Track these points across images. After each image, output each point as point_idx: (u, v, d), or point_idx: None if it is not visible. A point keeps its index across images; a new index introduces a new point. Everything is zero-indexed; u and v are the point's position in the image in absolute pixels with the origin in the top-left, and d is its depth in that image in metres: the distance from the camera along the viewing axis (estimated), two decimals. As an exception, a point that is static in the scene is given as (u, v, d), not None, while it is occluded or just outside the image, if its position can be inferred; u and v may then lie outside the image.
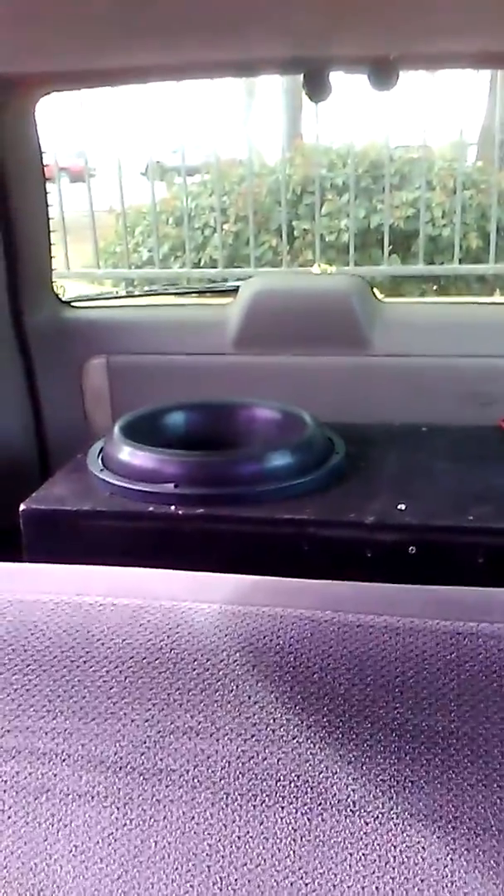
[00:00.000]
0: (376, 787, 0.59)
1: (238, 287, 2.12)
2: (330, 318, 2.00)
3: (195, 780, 0.62)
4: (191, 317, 2.22)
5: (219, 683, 0.62)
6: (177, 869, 0.61)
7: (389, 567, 1.41)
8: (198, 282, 5.49)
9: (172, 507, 1.49)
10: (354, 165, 5.56)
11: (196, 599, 0.65)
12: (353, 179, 5.47)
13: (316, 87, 1.59)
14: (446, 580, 0.72)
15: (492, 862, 0.57)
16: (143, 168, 6.56)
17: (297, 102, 6.95)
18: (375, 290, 2.27)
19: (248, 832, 0.61)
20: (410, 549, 1.41)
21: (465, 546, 1.40)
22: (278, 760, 0.61)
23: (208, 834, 0.61)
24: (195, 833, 0.61)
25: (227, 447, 1.72)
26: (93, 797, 0.64)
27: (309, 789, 0.60)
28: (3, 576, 0.72)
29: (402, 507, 1.47)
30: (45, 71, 1.75)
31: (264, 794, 0.61)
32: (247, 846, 0.61)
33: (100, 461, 1.65)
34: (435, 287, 6.12)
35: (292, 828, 0.60)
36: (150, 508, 1.50)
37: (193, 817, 0.62)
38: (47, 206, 2.11)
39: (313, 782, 0.60)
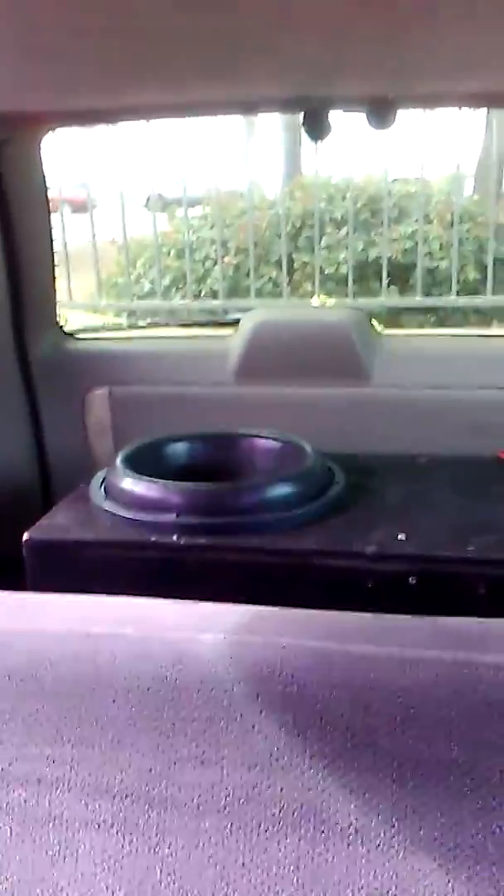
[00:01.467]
0: (378, 816, 0.60)
1: (239, 319, 2.15)
2: (330, 350, 2.02)
3: (200, 809, 0.63)
4: (192, 348, 2.25)
5: (223, 713, 0.63)
6: None
7: (390, 597, 1.42)
8: (199, 313, 5.54)
9: (174, 537, 1.50)
10: (353, 199, 5.64)
11: (200, 630, 0.66)
12: (352, 213, 5.55)
13: (315, 126, 1.62)
14: (447, 610, 0.73)
15: (491, 890, 0.58)
16: (144, 200, 6.65)
17: (297, 138, 7.07)
18: (374, 321, 2.30)
19: (252, 860, 0.61)
20: (411, 579, 1.42)
21: (466, 576, 1.41)
22: (282, 789, 0.62)
23: (213, 862, 0.62)
24: (200, 861, 0.62)
25: (229, 477, 1.73)
26: (99, 825, 0.64)
27: (312, 818, 0.61)
28: (10, 606, 0.73)
29: (403, 537, 1.48)
30: (50, 109, 1.79)
31: (268, 823, 0.62)
32: (251, 874, 0.61)
33: (102, 491, 1.66)
34: (433, 319, 6.17)
35: (296, 856, 0.61)
36: (153, 538, 1.51)
37: (198, 845, 0.62)
38: (51, 239, 2.15)
39: (317, 811, 0.61)
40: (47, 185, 2.08)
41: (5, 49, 1.06)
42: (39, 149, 2.00)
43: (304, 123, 1.64)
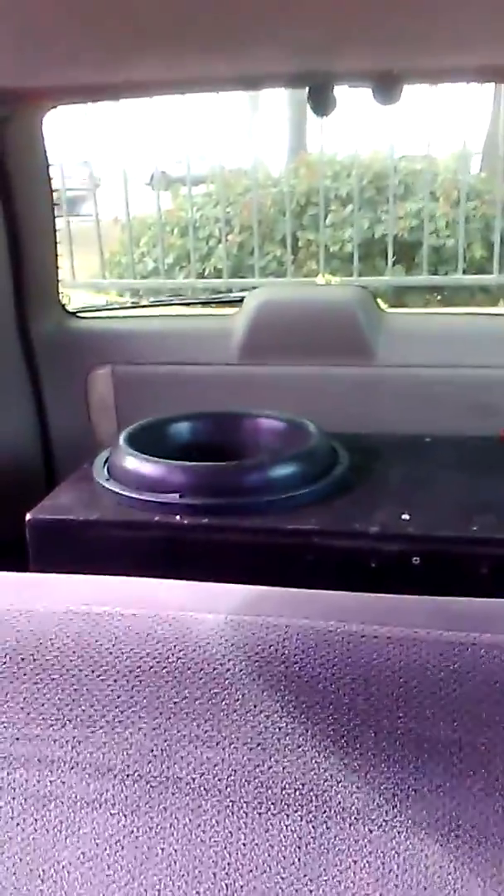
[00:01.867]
0: (380, 796, 0.60)
1: (243, 298, 2.14)
2: (334, 329, 2.01)
3: (201, 789, 0.63)
4: (196, 327, 2.23)
5: (225, 693, 0.63)
6: (183, 876, 0.62)
7: (393, 577, 1.42)
8: (202, 292, 5.52)
9: (177, 517, 1.50)
10: (359, 176, 5.59)
11: (202, 610, 0.66)
12: (358, 190, 5.49)
13: (320, 101, 1.60)
14: (450, 590, 0.72)
15: (493, 870, 0.58)
16: (148, 178, 6.60)
17: (302, 114, 6.99)
18: (379, 300, 2.28)
19: (253, 840, 0.61)
20: (414, 559, 1.42)
21: (469, 556, 1.41)
22: (283, 769, 0.62)
23: (214, 841, 0.62)
24: (201, 840, 0.62)
25: (232, 457, 1.73)
26: (100, 805, 0.64)
27: (313, 798, 0.61)
28: (12, 585, 0.73)
29: (406, 517, 1.48)
30: (52, 85, 1.77)
31: (269, 803, 0.62)
32: (252, 854, 0.61)
33: (105, 471, 1.66)
34: (439, 297, 6.13)
35: (297, 836, 0.61)
36: (156, 518, 1.51)
37: (199, 825, 0.62)
38: (54, 217, 2.13)
39: (318, 791, 0.61)
40: (49, 164, 2.06)
41: (5, 26, 1.04)
42: (41, 126, 1.98)
43: (309, 99, 1.62)
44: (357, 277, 5.29)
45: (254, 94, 6.81)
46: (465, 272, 5.41)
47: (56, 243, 2.14)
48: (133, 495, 1.55)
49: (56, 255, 2.16)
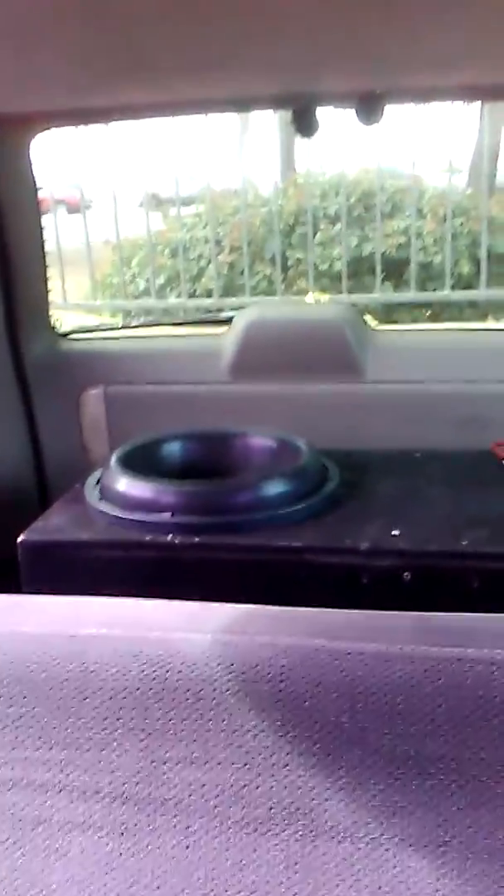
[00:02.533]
0: (368, 813, 0.60)
1: (233, 317, 2.15)
2: (323, 347, 2.02)
3: (190, 809, 0.63)
4: (186, 346, 2.24)
5: (212, 713, 0.63)
6: None
7: (385, 593, 1.42)
8: (194, 312, 5.53)
9: (169, 537, 1.50)
10: (346, 195, 5.63)
11: (189, 629, 0.66)
12: (346, 209, 5.54)
13: (304, 123, 1.62)
14: (441, 605, 0.73)
15: (480, 886, 0.58)
16: (139, 199, 6.65)
17: (290, 134, 7.04)
18: (368, 317, 2.30)
19: (242, 860, 0.61)
20: (405, 574, 1.42)
21: (460, 571, 1.41)
22: (271, 788, 0.62)
23: (204, 862, 0.62)
24: (191, 861, 0.62)
25: (224, 476, 1.73)
26: (89, 827, 0.64)
27: (302, 816, 0.61)
28: (0, 608, 0.73)
29: (397, 532, 1.48)
30: (41, 110, 1.78)
31: (258, 822, 0.62)
32: (242, 873, 0.61)
33: (97, 491, 1.66)
34: (428, 313, 6.17)
35: (286, 854, 0.61)
36: (148, 538, 1.51)
37: (189, 846, 0.62)
38: (43, 240, 2.14)
39: (306, 809, 0.61)
40: (38, 187, 2.07)
41: None
42: (29, 150, 2.00)
43: (292, 121, 1.64)
44: (347, 295, 5.32)
45: (243, 115, 6.87)
46: (452, 288, 5.45)
47: (46, 266, 2.16)
48: (125, 515, 1.55)
49: (46, 278, 2.17)
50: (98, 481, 1.70)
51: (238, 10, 0.88)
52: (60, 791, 0.65)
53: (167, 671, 0.64)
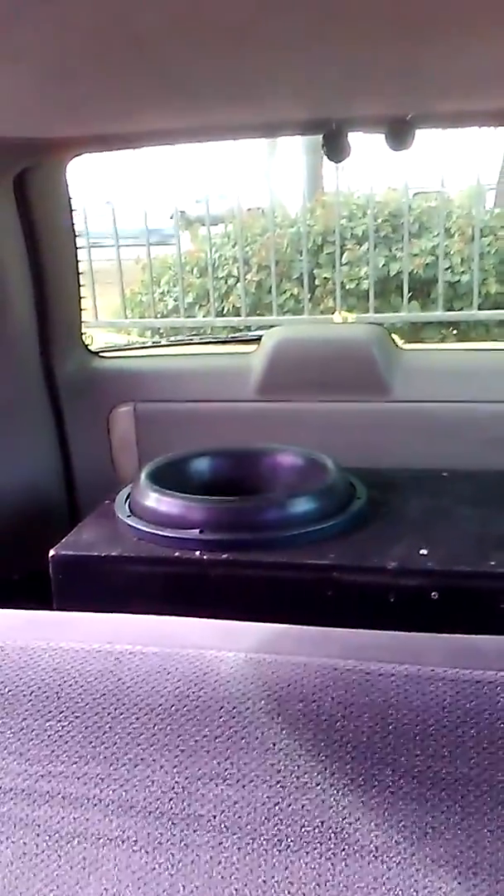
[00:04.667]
0: (398, 833, 0.60)
1: (261, 336, 2.17)
2: (351, 366, 2.03)
3: (222, 826, 0.64)
4: (215, 365, 2.27)
5: (244, 731, 0.64)
6: None
7: (412, 612, 1.42)
8: (222, 330, 5.58)
9: (198, 553, 1.51)
10: (374, 215, 5.66)
11: (222, 648, 0.67)
12: (373, 229, 5.57)
13: (334, 147, 1.64)
14: (469, 625, 0.73)
15: None
16: (168, 219, 6.72)
17: (318, 155, 7.10)
18: (395, 336, 2.31)
19: (273, 876, 0.62)
20: (433, 594, 1.42)
21: (488, 591, 1.41)
22: (302, 806, 0.63)
23: (235, 878, 0.62)
24: (222, 877, 0.63)
25: (252, 493, 1.74)
26: (123, 841, 0.65)
27: (333, 835, 0.62)
28: (35, 623, 0.75)
29: (425, 552, 1.48)
30: (79, 135, 1.83)
31: (289, 840, 0.62)
32: (272, 890, 0.62)
33: (127, 507, 1.68)
34: (455, 332, 6.16)
35: (317, 872, 0.61)
36: (177, 554, 1.52)
37: (220, 861, 0.63)
38: (77, 260, 2.19)
39: (337, 828, 0.62)
40: (73, 209, 2.12)
41: (32, 78, 1.09)
42: (65, 174, 2.05)
43: (323, 146, 1.66)
44: (373, 314, 5.33)
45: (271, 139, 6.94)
46: (480, 307, 5.44)
47: (80, 286, 2.20)
48: (154, 531, 1.57)
49: (79, 298, 2.21)
50: (127, 497, 1.72)
51: (270, 37, 0.90)
52: (95, 805, 0.66)
53: (201, 688, 0.65)
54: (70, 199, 2.10)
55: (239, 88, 1.32)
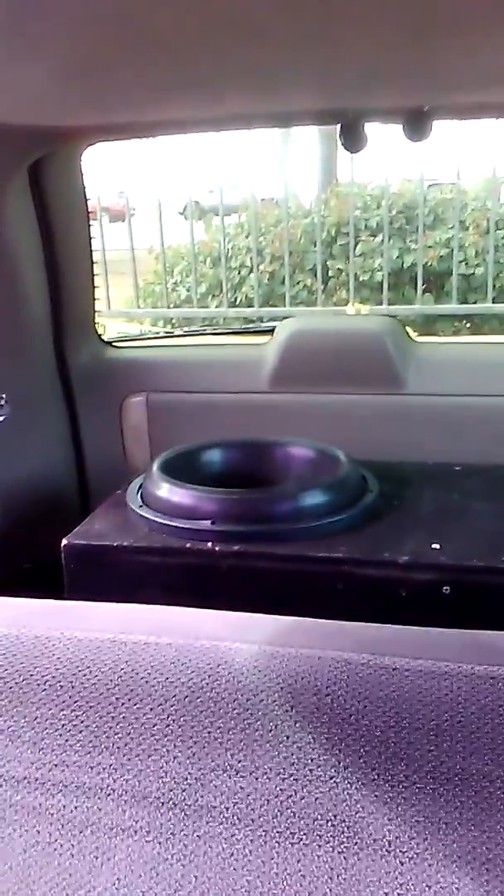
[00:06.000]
0: (411, 828, 0.60)
1: (274, 328, 2.16)
2: (364, 358, 2.03)
3: (235, 817, 0.64)
4: (228, 356, 2.26)
5: (258, 723, 0.64)
6: None
7: (423, 606, 1.41)
8: (234, 320, 5.56)
9: (209, 544, 1.51)
10: (388, 207, 5.63)
11: (236, 640, 0.67)
12: (387, 220, 5.54)
13: (352, 138, 1.63)
14: (480, 620, 0.73)
15: None
16: (181, 207, 6.71)
17: (333, 145, 7.06)
18: (409, 328, 2.30)
19: (285, 869, 0.62)
20: (444, 588, 1.41)
21: (500, 587, 1.40)
22: (315, 800, 0.63)
23: (247, 870, 0.63)
24: (234, 869, 0.63)
25: (263, 485, 1.74)
26: (136, 832, 0.65)
27: (345, 828, 0.62)
28: (51, 613, 0.75)
29: (437, 546, 1.48)
30: (95, 124, 1.82)
31: (301, 833, 0.63)
32: (284, 883, 0.62)
33: (139, 497, 1.69)
34: (468, 325, 6.13)
35: (329, 866, 0.61)
36: (188, 545, 1.53)
37: (233, 853, 0.63)
38: (91, 250, 2.18)
39: (349, 822, 0.62)
40: (87, 198, 2.11)
41: (49, 67, 1.09)
42: (80, 162, 2.04)
43: (340, 136, 1.65)
44: (387, 306, 5.31)
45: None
46: (494, 300, 5.40)
47: (93, 276, 2.20)
48: (166, 522, 1.57)
49: (93, 287, 2.21)
50: (139, 487, 1.72)
51: (287, 27, 0.89)
52: (108, 795, 0.66)
53: (215, 680, 0.65)
54: (85, 188, 2.09)
55: (255, 78, 1.31)
